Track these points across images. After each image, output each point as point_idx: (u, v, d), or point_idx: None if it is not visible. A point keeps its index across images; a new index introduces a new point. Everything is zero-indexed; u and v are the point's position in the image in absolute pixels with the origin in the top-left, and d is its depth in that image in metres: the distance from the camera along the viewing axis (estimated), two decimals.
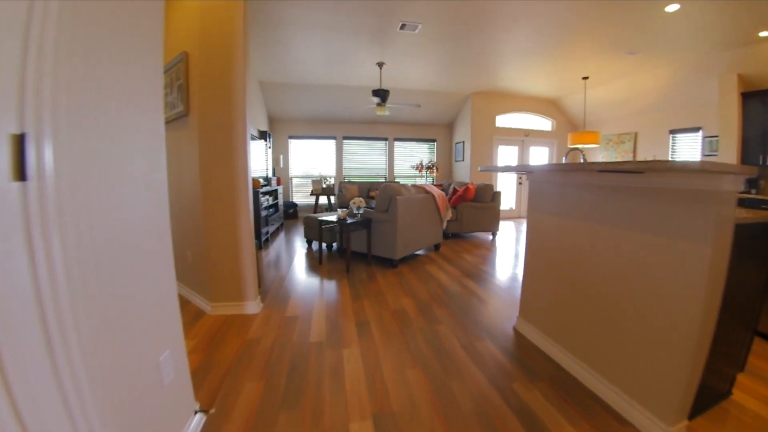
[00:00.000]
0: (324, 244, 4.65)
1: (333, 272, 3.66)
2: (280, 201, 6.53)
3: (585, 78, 6.73)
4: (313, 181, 7.71)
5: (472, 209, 5.49)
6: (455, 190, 5.68)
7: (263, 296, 2.95)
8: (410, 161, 8.96)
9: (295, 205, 8.02)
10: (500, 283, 3.40)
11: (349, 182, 8.08)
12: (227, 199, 2.45)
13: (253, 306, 2.61)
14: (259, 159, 5.69)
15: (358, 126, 8.58)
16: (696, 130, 6.32)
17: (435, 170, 8.17)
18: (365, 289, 3.12)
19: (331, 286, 3.23)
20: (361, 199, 3.72)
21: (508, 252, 4.75)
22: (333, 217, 3.88)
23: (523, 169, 2.17)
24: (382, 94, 5.62)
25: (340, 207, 7.43)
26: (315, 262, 4.06)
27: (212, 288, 2.61)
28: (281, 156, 7.26)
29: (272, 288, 3.18)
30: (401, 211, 3.67)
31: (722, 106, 5.54)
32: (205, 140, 2.40)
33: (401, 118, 8.51)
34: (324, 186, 7.65)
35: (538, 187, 2.23)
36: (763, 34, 4.43)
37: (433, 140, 9.05)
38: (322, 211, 7.94)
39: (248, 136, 2.45)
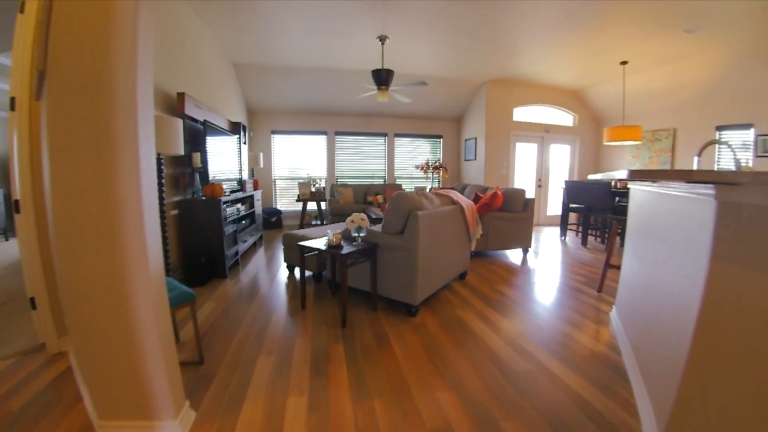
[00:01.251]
0: (309, 272, 3.45)
1: (321, 327, 2.46)
2: (258, 209, 5.32)
3: (623, 63, 5.67)
4: (300, 183, 6.49)
5: (499, 221, 4.34)
6: (478, 197, 4.53)
7: (201, 389, 1.74)
8: (413, 160, 7.79)
9: (279, 212, 6.79)
10: (575, 341, 2.24)
11: (343, 185, 6.90)
12: (100, 228, 1.23)
13: (171, 430, 1.40)
14: (228, 158, 4.47)
15: (352, 119, 7.38)
16: (747, 126, 5.32)
17: (443, 171, 7.02)
18: (374, 372, 1.91)
19: (317, 360, 2.03)
20: (362, 216, 2.53)
21: (554, 280, 3.60)
22: (321, 242, 2.68)
23: (721, 179, 1.01)
24: (384, 76, 4.44)
25: (333, 215, 6.23)
26: (296, 305, 2.85)
27: (96, 394, 1.41)
28: (261, 154, 6.04)
29: (221, 366, 1.96)
30: (424, 232, 2.49)
31: None
32: (58, 113, 1.18)
33: (403, 111, 7.34)
34: (313, 189, 6.44)
35: (754, 216, 1.06)
36: None
37: (439, 136, 7.89)
38: (309, 221, 6.72)
39: (144, 104, 1.23)
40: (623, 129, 5.83)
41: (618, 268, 3.02)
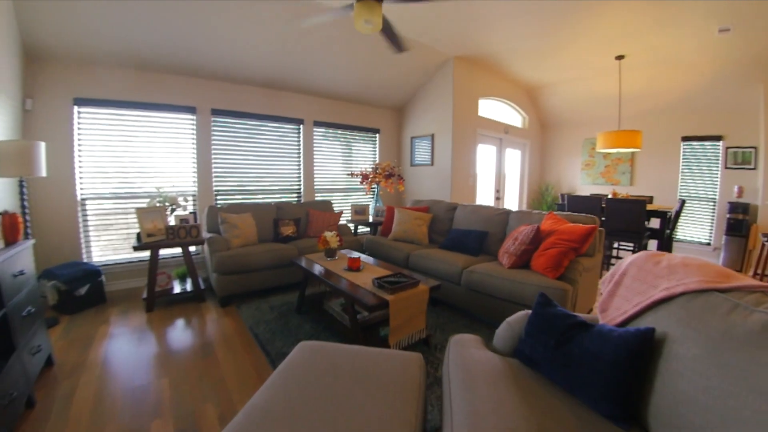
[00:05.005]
0: None
1: None
2: (29, 285, 1.97)
3: (619, 57, 4.60)
4: (140, 210, 3.17)
5: (586, 275, 2.33)
6: (541, 234, 2.40)
7: None
8: (342, 164, 5.24)
9: (98, 273, 3.27)
10: None
11: (232, 207, 3.83)
12: None
13: None
14: None
15: (245, 90, 4.30)
16: (716, 138, 5.14)
17: (398, 181, 4.71)
18: None
19: None
20: None
21: None
22: None
23: None
24: None
25: (223, 272, 3.17)
26: None
27: None
28: (43, 145, 2.55)
29: None
30: None
31: None
32: None
33: (325, 87, 4.72)
34: (171, 221, 3.27)
35: None
36: None
37: (375, 131, 5.54)
38: (167, 286, 3.42)
39: None
40: (623, 134, 4.63)
41: None
